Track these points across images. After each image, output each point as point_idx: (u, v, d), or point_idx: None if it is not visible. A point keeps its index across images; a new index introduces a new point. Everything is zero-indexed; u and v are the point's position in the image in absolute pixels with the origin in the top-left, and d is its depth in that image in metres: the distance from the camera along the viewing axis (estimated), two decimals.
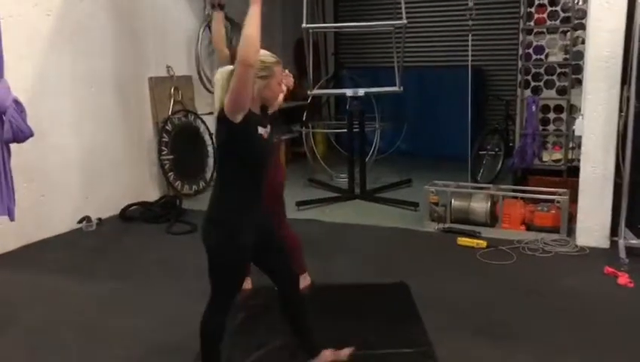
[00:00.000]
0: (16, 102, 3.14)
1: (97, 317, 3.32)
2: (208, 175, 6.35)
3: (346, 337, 2.98)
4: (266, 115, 2.41)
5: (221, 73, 2.35)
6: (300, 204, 5.55)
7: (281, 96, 2.65)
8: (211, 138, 6.39)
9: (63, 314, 3.38)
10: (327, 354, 2.69)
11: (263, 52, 2.31)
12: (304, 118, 7.11)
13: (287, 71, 2.72)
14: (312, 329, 2.66)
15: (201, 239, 2.38)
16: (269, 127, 2.38)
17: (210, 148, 6.41)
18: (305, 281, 3.39)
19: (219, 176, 2.43)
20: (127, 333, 3.13)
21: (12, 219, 3.23)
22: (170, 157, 5.83)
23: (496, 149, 6.40)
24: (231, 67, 2.29)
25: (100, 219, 5.11)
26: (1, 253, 4.34)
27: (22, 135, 3.14)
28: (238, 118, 2.18)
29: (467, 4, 5.29)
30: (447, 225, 4.79)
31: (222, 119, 2.22)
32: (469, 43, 5.17)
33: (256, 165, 2.32)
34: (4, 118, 3.08)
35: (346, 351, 2.75)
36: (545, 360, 2.80)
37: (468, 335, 3.03)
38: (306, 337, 2.66)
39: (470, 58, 5.34)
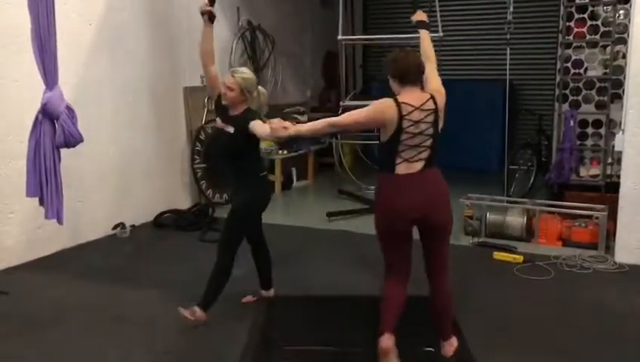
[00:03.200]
0: (69, 108, 3.22)
1: (136, 324, 3.36)
2: None
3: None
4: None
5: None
6: (330, 214, 5.55)
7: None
8: None
9: (103, 318, 3.42)
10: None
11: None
12: None
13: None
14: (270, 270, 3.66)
15: (230, 203, 3.24)
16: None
17: None
18: (451, 346, 2.94)
19: (236, 162, 3.32)
20: (167, 339, 3.15)
21: (60, 222, 3.29)
22: (203, 165, 5.87)
23: (529, 164, 6.34)
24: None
25: (133, 226, 5.17)
26: (41, 256, 4.41)
27: (73, 140, 3.21)
28: None
29: (503, 19, 5.27)
30: (481, 239, 4.74)
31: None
32: (507, 56, 5.13)
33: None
34: (56, 123, 3.15)
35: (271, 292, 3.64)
36: None
37: (506, 350, 2.99)
38: (264, 276, 3.66)
39: (508, 72, 5.29)
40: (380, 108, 2.68)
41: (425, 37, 3.26)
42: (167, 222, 5.38)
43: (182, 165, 5.88)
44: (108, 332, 3.24)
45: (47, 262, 4.37)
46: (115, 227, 5.03)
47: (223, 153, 3.42)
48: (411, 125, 2.65)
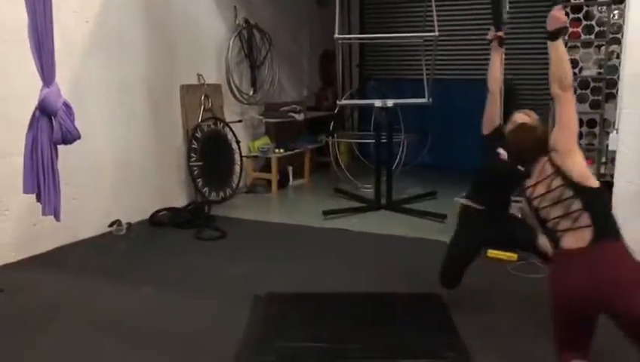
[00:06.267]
0: (66, 105, 3.23)
1: (129, 320, 3.37)
2: (235, 182, 6.40)
3: (379, 346, 2.99)
4: None
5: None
6: (327, 213, 5.57)
7: None
8: (239, 146, 6.46)
9: (97, 316, 3.42)
10: None
11: None
12: (331, 128, 7.14)
13: None
14: None
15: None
16: None
17: (237, 156, 6.46)
18: None
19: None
20: (164, 336, 3.16)
21: (58, 219, 3.29)
22: (199, 163, 5.88)
23: None
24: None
25: (129, 224, 5.17)
26: (37, 254, 4.41)
27: (70, 136, 3.22)
28: None
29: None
30: None
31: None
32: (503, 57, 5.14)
33: None
34: (53, 120, 3.16)
35: None
36: None
37: (501, 347, 3.01)
38: None
39: (504, 71, 5.31)
40: None
41: (556, 48, 2.54)
42: (163, 220, 5.38)
43: (178, 163, 5.89)
44: (104, 330, 3.24)
45: (43, 260, 4.37)
46: (111, 224, 5.03)
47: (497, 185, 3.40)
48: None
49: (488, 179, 3.58)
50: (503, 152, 3.30)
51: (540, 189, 2.53)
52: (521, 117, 2.95)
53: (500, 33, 3.55)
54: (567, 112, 2.53)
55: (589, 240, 2.37)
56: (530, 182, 2.59)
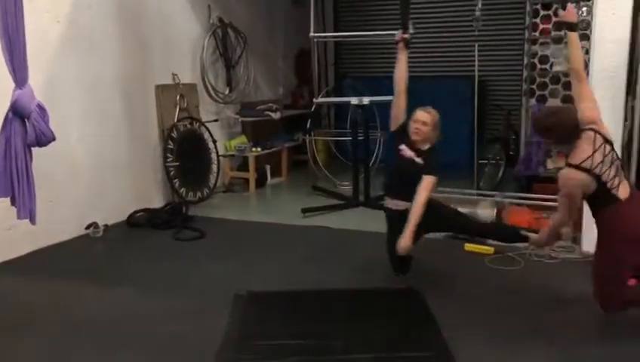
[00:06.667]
0: (40, 106, 3.18)
1: (109, 322, 3.34)
2: (212, 182, 6.37)
3: (360, 342, 3.02)
4: None
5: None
6: (305, 210, 5.58)
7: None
8: (215, 145, 6.43)
9: (77, 318, 3.39)
10: None
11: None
12: (308, 126, 7.16)
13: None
14: None
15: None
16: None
17: (214, 156, 6.43)
18: None
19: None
20: (144, 338, 3.15)
21: (33, 222, 3.25)
22: (176, 164, 5.84)
23: (497, 158, 6.47)
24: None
25: (106, 226, 5.12)
26: (12, 258, 4.34)
27: (44, 138, 3.18)
28: None
29: (471, 15, 5.37)
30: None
31: None
32: (476, 53, 5.24)
33: None
34: (27, 122, 3.11)
35: None
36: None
37: (482, 339, 3.07)
38: None
39: (477, 68, 5.41)
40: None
41: (574, 40, 3.21)
42: (140, 221, 5.34)
43: (154, 163, 5.85)
44: (83, 333, 3.21)
45: (19, 264, 4.30)
46: (87, 227, 4.97)
47: (404, 176, 3.74)
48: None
49: (395, 180, 3.86)
50: (404, 148, 3.61)
51: (598, 157, 2.97)
52: (422, 114, 3.52)
53: (406, 35, 3.67)
54: (588, 88, 3.23)
55: (630, 189, 3.07)
56: (586, 154, 2.96)
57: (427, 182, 3.55)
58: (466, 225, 4.06)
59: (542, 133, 3.28)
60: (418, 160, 3.67)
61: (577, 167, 2.97)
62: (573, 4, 3.30)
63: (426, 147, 3.70)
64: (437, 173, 3.63)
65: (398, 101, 3.76)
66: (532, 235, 3.69)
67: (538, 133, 3.30)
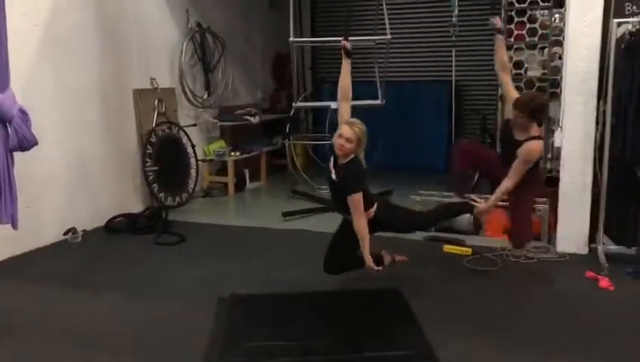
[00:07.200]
0: (22, 111, 3.15)
1: (93, 327, 3.32)
2: (191, 186, 6.36)
3: (344, 341, 3.07)
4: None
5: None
6: (286, 214, 5.61)
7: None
8: (194, 150, 6.42)
9: (59, 324, 3.36)
10: None
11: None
12: (287, 131, 7.19)
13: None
14: None
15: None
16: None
17: (192, 160, 6.42)
18: None
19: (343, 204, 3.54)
20: (129, 342, 3.14)
21: (15, 227, 3.21)
22: (154, 168, 5.82)
23: None
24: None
25: (85, 231, 5.07)
26: None
27: (27, 143, 3.15)
28: None
29: (448, 21, 5.49)
30: (432, 234, 4.92)
31: None
32: (453, 58, 5.35)
33: None
34: (9, 127, 3.08)
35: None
36: (537, 359, 2.93)
37: (463, 337, 3.14)
38: None
39: (454, 72, 5.52)
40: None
41: (502, 44, 4.07)
42: (120, 226, 5.30)
43: (133, 168, 5.81)
44: (64, 338, 3.18)
45: None
46: (66, 232, 4.93)
47: (333, 195, 3.78)
48: None
49: (331, 197, 3.86)
50: (330, 165, 3.58)
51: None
52: (346, 130, 3.41)
53: (347, 44, 3.72)
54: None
55: None
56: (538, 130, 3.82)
57: (352, 203, 3.41)
58: (421, 222, 4.20)
59: (533, 110, 3.66)
60: (336, 178, 3.53)
61: (539, 138, 3.73)
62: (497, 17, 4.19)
63: (347, 160, 3.49)
64: (358, 187, 3.42)
65: (344, 109, 3.64)
66: (478, 204, 4.02)
67: (531, 111, 3.65)
